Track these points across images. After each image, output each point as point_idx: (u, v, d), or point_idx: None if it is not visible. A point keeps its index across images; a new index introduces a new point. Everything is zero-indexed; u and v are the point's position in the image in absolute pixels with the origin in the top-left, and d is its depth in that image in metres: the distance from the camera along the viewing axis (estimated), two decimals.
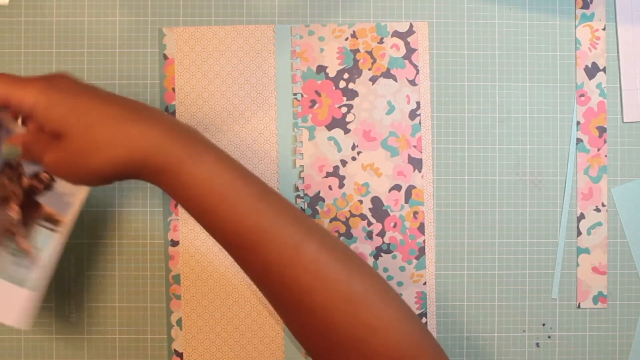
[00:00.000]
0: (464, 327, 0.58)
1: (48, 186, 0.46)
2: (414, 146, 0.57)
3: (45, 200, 0.46)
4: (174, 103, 0.56)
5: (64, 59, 0.57)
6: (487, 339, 0.58)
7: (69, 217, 0.47)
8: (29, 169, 0.46)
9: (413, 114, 0.57)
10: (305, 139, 0.57)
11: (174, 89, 0.56)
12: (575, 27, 0.58)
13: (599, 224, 0.58)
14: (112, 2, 0.57)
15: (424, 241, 0.57)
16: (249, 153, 0.57)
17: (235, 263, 0.47)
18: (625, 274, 0.58)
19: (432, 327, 0.57)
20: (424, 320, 0.57)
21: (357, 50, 0.57)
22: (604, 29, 0.58)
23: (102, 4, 0.57)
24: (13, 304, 0.46)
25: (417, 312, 0.57)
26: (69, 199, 0.47)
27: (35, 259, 0.46)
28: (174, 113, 0.56)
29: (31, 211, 0.46)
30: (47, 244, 0.47)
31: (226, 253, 0.51)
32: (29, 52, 0.57)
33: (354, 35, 0.57)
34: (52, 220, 0.47)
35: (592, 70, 0.58)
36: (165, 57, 0.57)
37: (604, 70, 0.58)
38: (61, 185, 0.47)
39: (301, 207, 0.57)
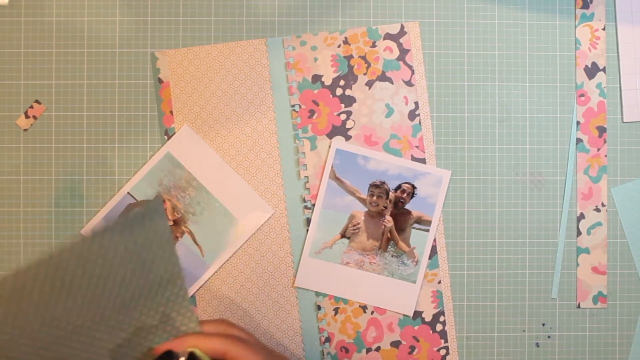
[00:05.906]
0: (464, 327, 0.58)
1: (411, 194, 0.55)
2: (416, 146, 0.57)
3: (412, 207, 0.56)
4: (173, 126, 0.57)
5: (63, 59, 0.57)
6: (487, 339, 0.58)
7: (435, 216, 0.56)
8: (392, 184, 0.55)
9: (412, 115, 0.57)
10: (307, 149, 0.57)
11: (171, 112, 0.57)
12: (575, 27, 0.58)
13: (599, 224, 0.58)
14: (112, 2, 0.57)
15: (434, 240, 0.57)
16: (252, 169, 0.57)
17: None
18: (625, 274, 0.58)
19: (451, 325, 0.57)
20: (442, 318, 0.57)
21: (351, 56, 0.57)
22: (603, 29, 0.58)
23: (102, 4, 0.57)
24: (408, 298, 0.56)
25: (434, 311, 0.57)
26: (433, 200, 0.55)
27: (415, 256, 0.56)
28: (173, 135, 0.56)
29: (403, 218, 0.56)
30: (422, 242, 0.56)
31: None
32: (29, 52, 0.57)
33: (346, 42, 0.57)
34: (422, 222, 0.56)
35: (592, 70, 0.58)
36: (160, 80, 0.57)
37: (603, 70, 0.58)
38: (422, 190, 0.54)
39: (307, 218, 0.57)
